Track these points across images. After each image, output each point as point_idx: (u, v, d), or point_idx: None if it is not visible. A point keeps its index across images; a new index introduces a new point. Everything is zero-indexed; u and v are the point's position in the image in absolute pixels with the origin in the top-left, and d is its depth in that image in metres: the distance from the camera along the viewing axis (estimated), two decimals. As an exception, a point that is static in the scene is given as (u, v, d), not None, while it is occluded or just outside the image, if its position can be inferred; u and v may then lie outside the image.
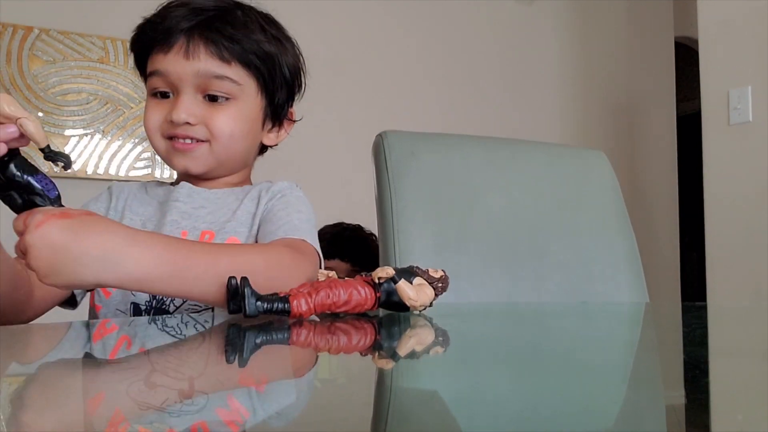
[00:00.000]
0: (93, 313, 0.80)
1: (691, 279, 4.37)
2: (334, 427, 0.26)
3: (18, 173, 0.55)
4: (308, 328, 0.52)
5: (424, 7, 2.96)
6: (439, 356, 0.45)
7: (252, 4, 0.83)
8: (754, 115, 2.11)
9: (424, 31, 2.99)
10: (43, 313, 0.74)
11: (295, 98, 0.88)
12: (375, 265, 1.85)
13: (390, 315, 0.61)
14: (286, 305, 0.52)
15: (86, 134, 2.34)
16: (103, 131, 2.36)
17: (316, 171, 2.52)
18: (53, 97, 2.29)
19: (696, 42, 4.28)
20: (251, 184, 0.89)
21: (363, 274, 0.59)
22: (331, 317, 0.57)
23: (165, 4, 0.78)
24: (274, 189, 0.83)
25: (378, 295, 0.56)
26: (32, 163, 0.59)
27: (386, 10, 2.90)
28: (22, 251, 0.53)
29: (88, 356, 0.47)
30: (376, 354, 0.46)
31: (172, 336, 0.52)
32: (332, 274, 0.60)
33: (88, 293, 0.81)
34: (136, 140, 2.40)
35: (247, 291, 0.50)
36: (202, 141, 0.78)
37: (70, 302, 0.79)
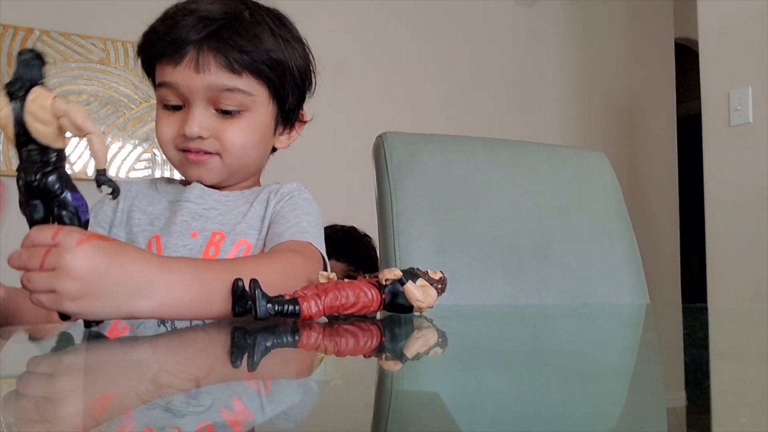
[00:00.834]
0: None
1: (691, 281, 4.36)
2: (335, 426, 0.26)
3: (58, 185, 0.52)
4: (317, 330, 0.52)
5: (425, 8, 2.96)
6: (443, 357, 0.45)
7: (260, 1, 0.82)
8: (755, 117, 2.10)
9: (425, 32, 2.99)
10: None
11: (306, 98, 0.88)
12: (369, 265, 1.84)
13: (392, 317, 0.61)
14: (296, 307, 0.52)
15: (87, 135, 2.34)
16: (104, 132, 2.36)
17: (315, 172, 2.52)
18: (54, 98, 2.30)
19: (696, 43, 4.28)
20: (260, 185, 0.89)
21: (366, 275, 0.59)
22: (334, 319, 0.57)
23: (171, 11, 0.77)
24: (282, 191, 0.84)
25: (383, 297, 0.56)
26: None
27: (387, 11, 2.90)
28: (49, 267, 0.48)
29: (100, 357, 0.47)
30: (385, 356, 0.46)
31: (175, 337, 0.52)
32: (333, 275, 0.60)
33: None
34: (137, 141, 2.40)
35: (258, 293, 0.51)
36: (214, 153, 0.79)
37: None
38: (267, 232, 0.80)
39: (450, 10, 3.03)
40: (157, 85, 0.79)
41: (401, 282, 0.56)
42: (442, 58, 3.02)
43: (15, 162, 0.54)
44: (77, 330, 0.56)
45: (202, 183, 0.82)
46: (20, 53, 0.51)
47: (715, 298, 2.23)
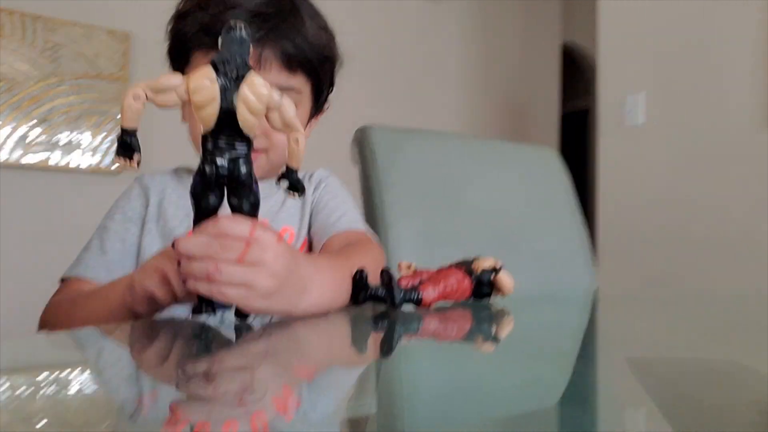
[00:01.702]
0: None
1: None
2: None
3: (251, 176, 0.48)
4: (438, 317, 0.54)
5: (335, 2, 2.96)
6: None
7: None
8: (647, 119, 2.35)
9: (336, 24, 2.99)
10: None
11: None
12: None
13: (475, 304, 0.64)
14: (419, 295, 0.54)
15: (-26, 114, 2.09)
16: (-4, 111, 2.12)
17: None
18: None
19: (579, 47, 4.65)
20: None
21: (452, 265, 0.62)
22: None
23: (215, 4, 0.73)
24: (314, 178, 0.85)
25: (473, 284, 0.59)
26: None
27: None
28: (250, 262, 0.46)
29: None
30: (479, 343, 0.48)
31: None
32: (414, 264, 0.62)
33: None
34: (33, 122, 2.18)
35: (394, 283, 0.52)
36: (262, 151, 0.77)
37: None
38: (311, 220, 0.81)
39: (362, 6, 3.06)
40: None
41: (495, 271, 0.60)
42: (351, 51, 3.03)
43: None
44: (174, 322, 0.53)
45: None
46: (230, 28, 0.46)
47: (605, 287, 2.46)
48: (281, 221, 0.79)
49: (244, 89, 0.46)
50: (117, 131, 0.56)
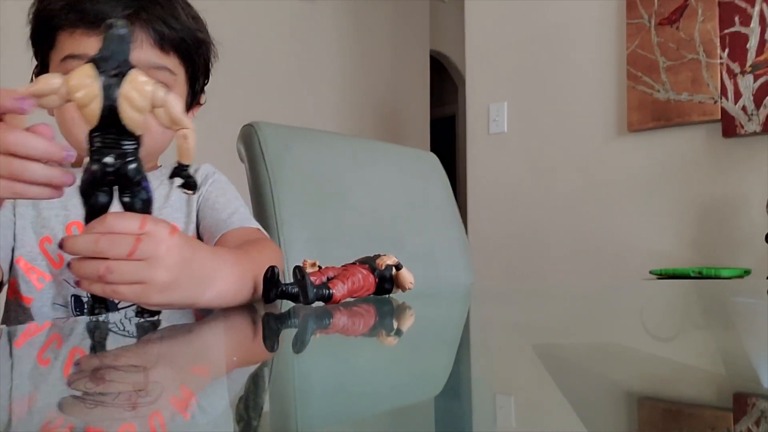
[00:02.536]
0: (16, 307, 0.68)
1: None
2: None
3: (139, 173, 0.47)
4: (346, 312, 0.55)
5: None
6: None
7: None
8: (509, 127, 2.53)
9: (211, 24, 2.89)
10: None
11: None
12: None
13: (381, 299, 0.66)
14: (330, 291, 0.54)
15: None
16: None
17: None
18: None
19: (445, 56, 4.85)
20: (158, 166, 0.84)
21: (356, 262, 0.63)
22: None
23: None
24: (200, 173, 0.84)
25: (376, 280, 0.61)
26: None
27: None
28: (141, 257, 0.45)
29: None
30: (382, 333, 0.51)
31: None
32: (317, 262, 0.62)
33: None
34: None
35: (308, 279, 0.51)
36: None
37: None
38: (199, 217, 0.79)
39: (237, 2, 2.98)
40: (63, 58, 0.70)
41: (397, 267, 0.62)
42: (229, 49, 2.95)
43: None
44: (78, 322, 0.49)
45: None
46: (110, 25, 0.44)
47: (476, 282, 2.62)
48: (167, 216, 0.77)
49: (126, 86, 0.45)
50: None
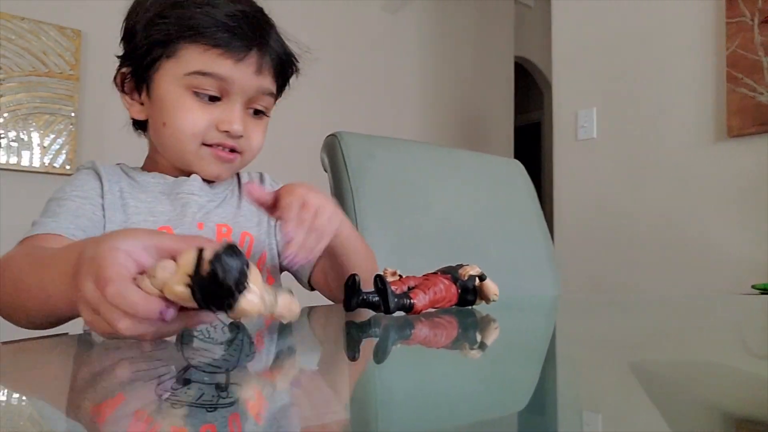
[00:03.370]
0: None
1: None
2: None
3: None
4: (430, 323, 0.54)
5: (295, 12, 2.95)
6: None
7: None
8: (598, 133, 2.44)
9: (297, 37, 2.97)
10: None
11: None
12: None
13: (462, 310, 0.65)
14: (411, 301, 0.54)
15: None
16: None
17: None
18: None
19: (530, 62, 4.76)
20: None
21: (438, 272, 0.62)
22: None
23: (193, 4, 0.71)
24: (267, 181, 0.88)
25: (458, 291, 0.60)
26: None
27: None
28: None
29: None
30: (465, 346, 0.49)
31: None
32: (397, 270, 0.62)
33: None
34: (-23, 120, 2.08)
35: (389, 289, 0.51)
36: (239, 152, 0.77)
37: None
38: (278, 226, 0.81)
39: (320, 14, 3.06)
40: (191, 72, 0.71)
41: (480, 278, 0.60)
42: (315, 60, 3.03)
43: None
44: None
45: (212, 179, 0.79)
46: (224, 253, 0.37)
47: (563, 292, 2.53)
48: (242, 226, 0.79)
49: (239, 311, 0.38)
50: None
